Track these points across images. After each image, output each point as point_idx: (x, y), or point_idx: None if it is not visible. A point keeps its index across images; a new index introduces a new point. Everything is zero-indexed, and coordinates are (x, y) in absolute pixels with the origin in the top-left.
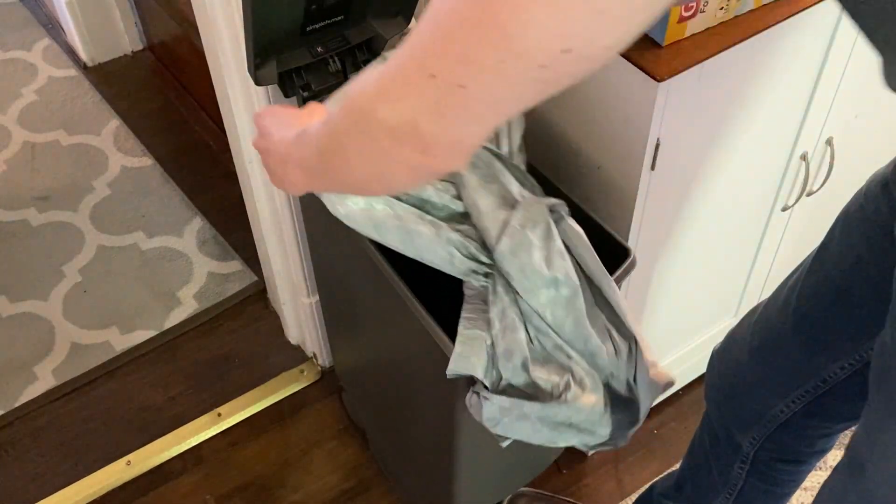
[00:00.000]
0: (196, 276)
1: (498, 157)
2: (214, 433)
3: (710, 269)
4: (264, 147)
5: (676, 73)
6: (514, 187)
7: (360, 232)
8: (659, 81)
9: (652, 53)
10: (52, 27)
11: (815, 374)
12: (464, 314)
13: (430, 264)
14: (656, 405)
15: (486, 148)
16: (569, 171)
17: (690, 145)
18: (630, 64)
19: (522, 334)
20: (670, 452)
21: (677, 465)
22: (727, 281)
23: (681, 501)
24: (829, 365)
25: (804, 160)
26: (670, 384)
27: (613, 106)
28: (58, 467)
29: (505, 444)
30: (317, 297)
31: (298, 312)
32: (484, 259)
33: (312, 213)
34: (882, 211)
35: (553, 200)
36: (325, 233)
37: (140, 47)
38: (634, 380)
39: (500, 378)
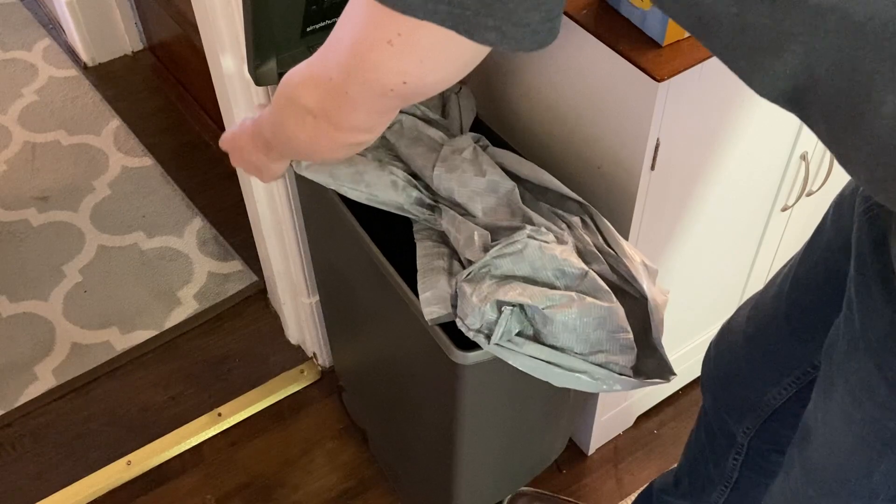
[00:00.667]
0: (196, 276)
1: (423, 119)
2: (214, 433)
3: (710, 268)
4: (230, 144)
5: (676, 73)
6: (439, 136)
7: (320, 183)
8: (659, 81)
9: (652, 53)
10: (52, 27)
11: (806, 359)
12: (419, 256)
13: (380, 205)
14: (656, 405)
15: (410, 114)
16: (569, 171)
17: (690, 145)
18: (630, 64)
19: (474, 229)
20: (670, 452)
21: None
22: (727, 281)
23: (679, 497)
24: (818, 351)
25: (804, 160)
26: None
27: (613, 106)
28: (58, 467)
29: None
30: (317, 297)
31: (298, 312)
32: (427, 195)
33: (312, 213)
34: (844, 219)
35: (475, 135)
36: (324, 232)
37: (140, 47)
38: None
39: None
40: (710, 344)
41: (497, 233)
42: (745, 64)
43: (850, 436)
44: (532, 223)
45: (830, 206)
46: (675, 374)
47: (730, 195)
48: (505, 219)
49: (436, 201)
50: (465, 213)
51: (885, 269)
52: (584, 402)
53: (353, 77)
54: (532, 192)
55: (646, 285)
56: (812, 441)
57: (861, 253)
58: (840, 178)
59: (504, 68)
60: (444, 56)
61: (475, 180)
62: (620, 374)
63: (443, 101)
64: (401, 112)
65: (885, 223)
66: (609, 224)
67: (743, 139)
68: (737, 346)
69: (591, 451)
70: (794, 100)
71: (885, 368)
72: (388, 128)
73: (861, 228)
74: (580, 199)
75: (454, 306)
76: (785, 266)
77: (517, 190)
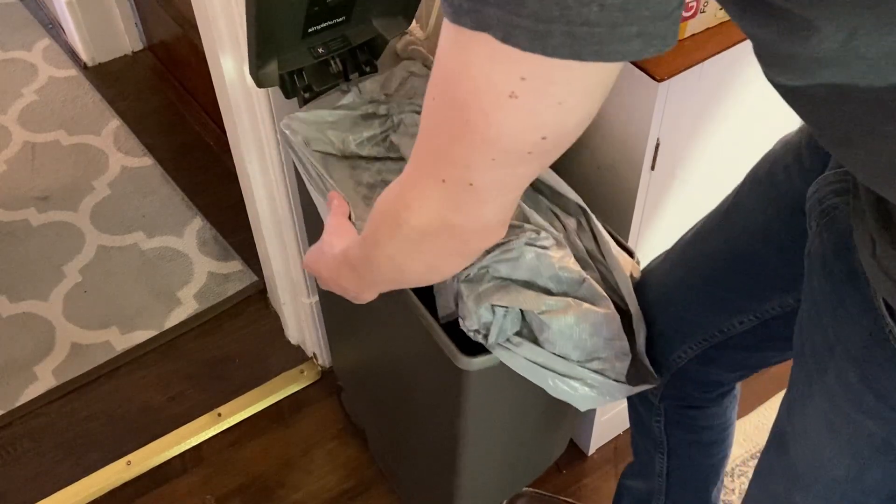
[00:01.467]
0: (196, 276)
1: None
2: (214, 433)
3: None
4: (316, 269)
5: (676, 73)
6: None
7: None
8: (659, 81)
9: None
10: (52, 27)
11: (713, 325)
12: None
13: None
14: None
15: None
16: (569, 171)
17: (690, 145)
18: (630, 64)
19: None
20: None
21: None
22: None
23: (634, 478)
24: (727, 319)
25: None
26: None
27: (613, 106)
28: (58, 467)
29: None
30: (317, 298)
31: (298, 312)
32: None
33: (312, 213)
34: (793, 177)
35: None
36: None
37: (140, 47)
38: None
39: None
40: None
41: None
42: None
43: (836, 444)
44: (529, 222)
45: (744, 183)
46: (658, 379)
47: None
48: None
49: None
50: None
51: (854, 274)
52: None
53: (475, 160)
54: (533, 184)
55: (630, 300)
56: (791, 449)
57: (824, 259)
58: None
59: None
60: (583, 87)
61: None
62: (616, 381)
63: None
64: (398, 112)
65: (845, 226)
66: (603, 229)
67: (743, 139)
68: (643, 310)
69: (591, 452)
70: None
71: (869, 378)
72: (394, 131)
73: (820, 234)
74: (577, 199)
75: (457, 305)
76: (686, 234)
77: None
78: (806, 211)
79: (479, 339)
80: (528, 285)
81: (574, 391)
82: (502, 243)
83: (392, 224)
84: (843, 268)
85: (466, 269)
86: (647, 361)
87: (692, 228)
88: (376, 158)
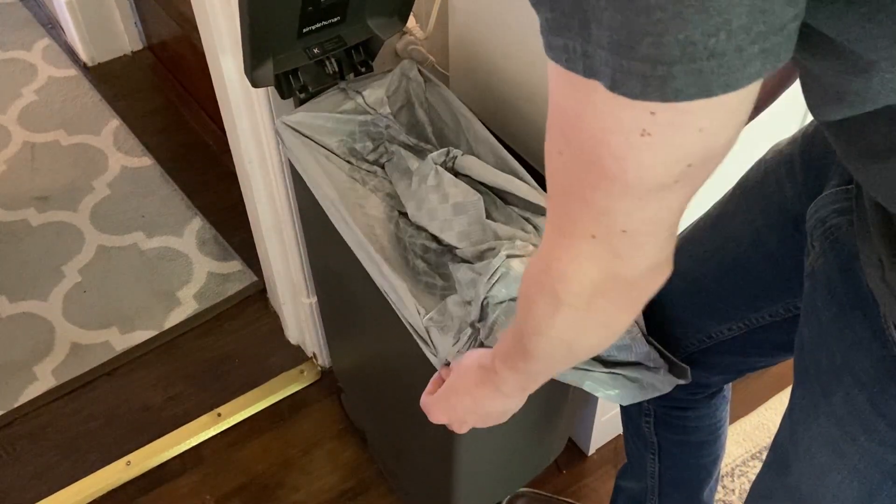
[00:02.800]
0: (196, 276)
1: (408, 147)
2: (214, 433)
3: None
4: (436, 397)
5: None
6: (413, 164)
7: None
8: None
9: None
10: (52, 27)
11: (701, 330)
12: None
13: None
14: None
15: (400, 143)
16: None
17: None
18: None
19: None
20: None
21: None
22: None
23: (628, 479)
24: (716, 325)
25: None
26: None
27: None
28: (58, 467)
29: None
30: (316, 298)
31: (298, 313)
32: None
33: (310, 214)
34: (785, 189)
35: (441, 150)
36: (322, 234)
37: (140, 47)
38: None
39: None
40: None
41: (484, 257)
42: None
43: (845, 469)
44: (498, 236)
45: (735, 191)
46: (687, 371)
47: None
48: (483, 239)
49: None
50: (446, 245)
51: (862, 298)
52: (583, 403)
53: (620, 207)
54: (503, 196)
55: None
56: (794, 470)
57: (829, 280)
58: None
59: (503, 68)
60: (723, 112)
61: (441, 208)
62: (655, 370)
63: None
64: (390, 142)
65: (849, 247)
66: None
67: (743, 139)
68: None
69: (591, 452)
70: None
71: (879, 405)
72: (388, 161)
73: (824, 254)
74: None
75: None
76: (682, 235)
77: (482, 202)
78: (807, 230)
79: None
80: None
81: (616, 387)
82: (485, 269)
83: (551, 303)
84: (849, 290)
85: (469, 310)
86: (663, 350)
87: (681, 234)
88: (368, 169)
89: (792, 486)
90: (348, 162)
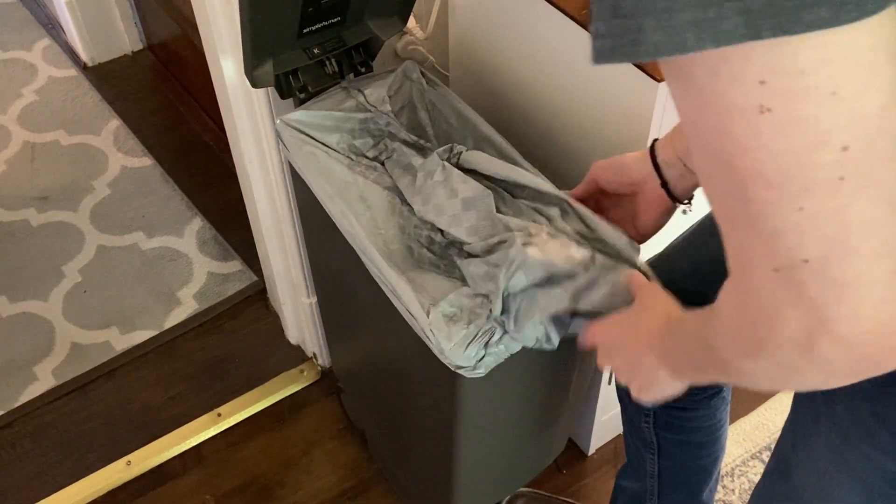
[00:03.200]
0: (196, 276)
1: (408, 144)
2: (214, 433)
3: None
4: (608, 339)
5: None
6: (416, 160)
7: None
8: (659, 81)
9: None
10: (52, 27)
11: None
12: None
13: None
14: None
15: (400, 140)
16: (568, 171)
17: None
18: (630, 64)
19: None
20: None
21: None
22: None
23: (627, 479)
24: None
25: None
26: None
27: (613, 106)
28: (58, 467)
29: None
30: (316, 298)
31: (298, 313)
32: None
33: (310, 213)
34: None
35: (448, 147)
36: (322, 233)
37: (140, 47)
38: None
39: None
40: None
41: (495, 250)
42: None
43: (848, 478)
44: (509, 229)
45: None
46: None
47: None
48: (492, 233)
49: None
50: (455, 240)
51: None
52: (583, 403)
53: (779, 220)
54: (511, 191)
55: (637, 258)
56: (795, 477)
57: None
58: None
59: (503, 68)
60: (851, 64)
61: (450, 203)
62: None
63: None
64: (391, 139)
65: None
66: (586, 210)
67: None
68: None
69: (591, 451)
70: None
71: (882, 416)
72: (388, 157)
73: None
74: (556, 191)
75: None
76: (679, 237)
77: (492, 197)
78: None
79: (547, 343)
80: (551, 280)
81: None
82: (502, 260)
83: (756, 352)
84: None
85: (490, 305)
86: None
87: (682, 234)
88: (368, 165)
89: (794, 493)
90: (349, 157)
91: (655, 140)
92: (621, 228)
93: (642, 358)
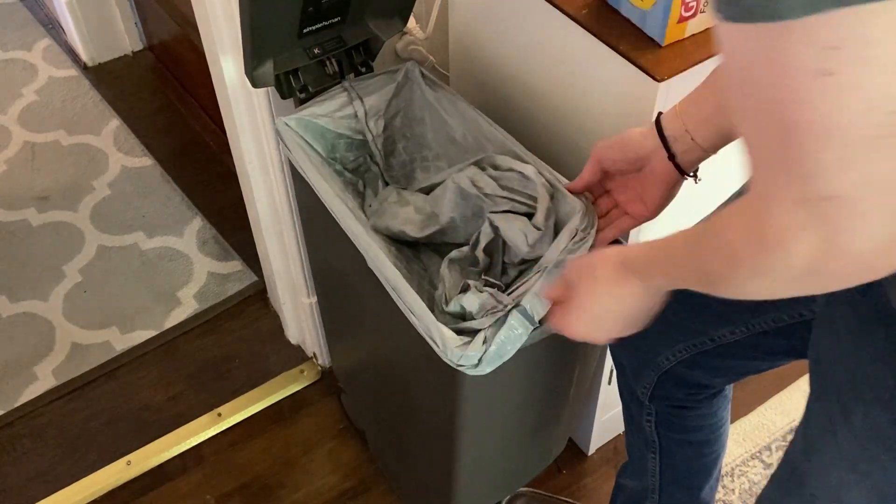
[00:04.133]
0: (196, 276)
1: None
2: (214, 433)
3: None
4: (578, 273)
5: (676, 73)
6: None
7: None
8: (659, 81)
9: (652, 53)
10: (52, 27)
11: (704, 333)
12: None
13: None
14: None
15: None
16: (569, 171)
17: None
18: (630, 64)
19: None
20: None
21: None
22: None
23: (628, 477)
24: (718, 328)
25: None
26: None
27: (613, 106)
28: (58, 467)
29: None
30: (316, 298)
31: (298, 312)
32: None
33: (311, 212)
34: None
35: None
36: (322, 234)
37: (140, 47)
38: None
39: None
40: None
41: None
42: None
43: (864, 486)
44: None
45: None
46: None
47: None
48: (471, 206)
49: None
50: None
51: (883, 312)
52: (583, 403)
53: (821, 166)
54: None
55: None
56: (809, 486)
57: (849, 294)
58: None
59: (503, 68)
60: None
61: (403, 210)
62: None
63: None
64: (371, 159)
65: None
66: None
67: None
68: None
69: (591, 451)
70: None
71: None
72: (367, 171)
73: None
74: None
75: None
76: None
77: (450, 180)
78: None
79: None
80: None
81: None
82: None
83: (759, 271)
84: (870, 305)
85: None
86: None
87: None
88: (348, 180)
89: (806, 500)
90: (334, 167)
91: (660, 114)
92: (632, 209)
93: (629, 308)
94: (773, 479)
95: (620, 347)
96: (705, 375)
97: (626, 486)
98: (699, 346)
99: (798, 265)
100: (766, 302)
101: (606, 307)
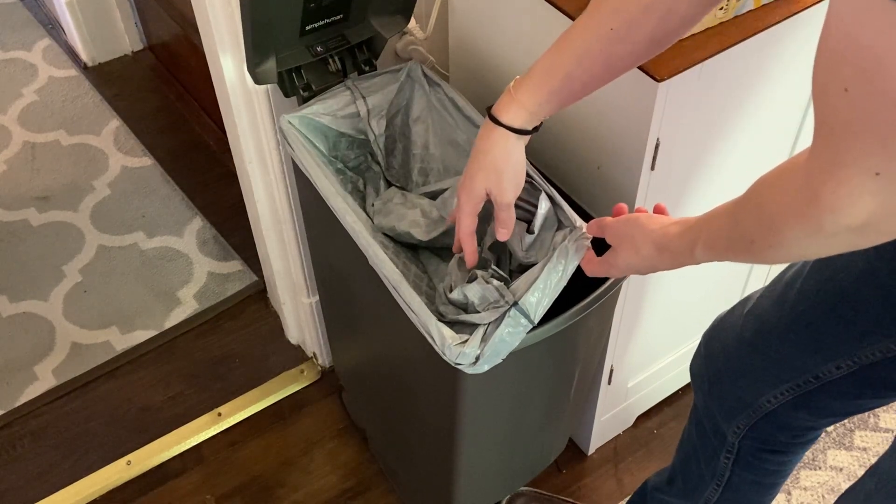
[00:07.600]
0: (196, 276)
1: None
2: (214, 433)
3: (710, 268)
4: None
5: (676, 73)
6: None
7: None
8: (659, 81)
9: None
10: (52, 27)
11: (808, 370)
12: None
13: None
14: (656, 405)
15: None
16: (569, 171)
17: (690, 145)
18: None
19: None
20: (670, 452)
21: None
22: (726, 281)
23: (673, 496)
24: (824, 364)
25: None
26: None
27: (613, 106)
28: (58, 467)
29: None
30: (317, 297)
31: (298, 312)
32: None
33: (311, 213)
34: None
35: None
36: (324, 233)
37: (140, 47)
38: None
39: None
40: (701, 342)
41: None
42: None
43: None
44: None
45: None
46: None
47: (730, 195)
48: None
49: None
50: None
51: None
52: (584, 402)
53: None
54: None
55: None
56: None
57: None
58: None
59: (503, 68)
60: None
61: (410, 212)
62: None
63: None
64: (372, 158)
65: None
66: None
67: (743, 139)
68: (730, 346)
69: (591, 451)
70: None
71: None
72: (367, 170)
73: None
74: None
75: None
76: (789, 269)
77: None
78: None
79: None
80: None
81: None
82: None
83: (811, 232)
84: None
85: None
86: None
87: (791, 266)
88: (351, 178)
89: None
90: (335, 165)
91: (493, 113)
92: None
93: (655, 268)
94: (862, 493)
95: (712, 388)
96: (811, 418)
97: (666, 501)
98: (804, 386)
99: (851, 226)
100: (873, 331)
101: (642, 270)
